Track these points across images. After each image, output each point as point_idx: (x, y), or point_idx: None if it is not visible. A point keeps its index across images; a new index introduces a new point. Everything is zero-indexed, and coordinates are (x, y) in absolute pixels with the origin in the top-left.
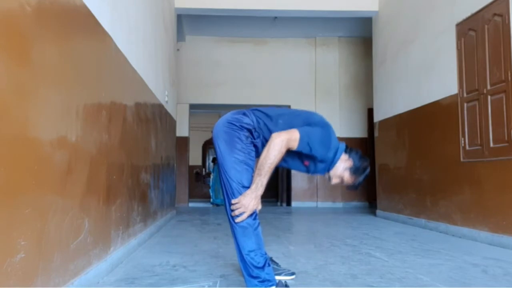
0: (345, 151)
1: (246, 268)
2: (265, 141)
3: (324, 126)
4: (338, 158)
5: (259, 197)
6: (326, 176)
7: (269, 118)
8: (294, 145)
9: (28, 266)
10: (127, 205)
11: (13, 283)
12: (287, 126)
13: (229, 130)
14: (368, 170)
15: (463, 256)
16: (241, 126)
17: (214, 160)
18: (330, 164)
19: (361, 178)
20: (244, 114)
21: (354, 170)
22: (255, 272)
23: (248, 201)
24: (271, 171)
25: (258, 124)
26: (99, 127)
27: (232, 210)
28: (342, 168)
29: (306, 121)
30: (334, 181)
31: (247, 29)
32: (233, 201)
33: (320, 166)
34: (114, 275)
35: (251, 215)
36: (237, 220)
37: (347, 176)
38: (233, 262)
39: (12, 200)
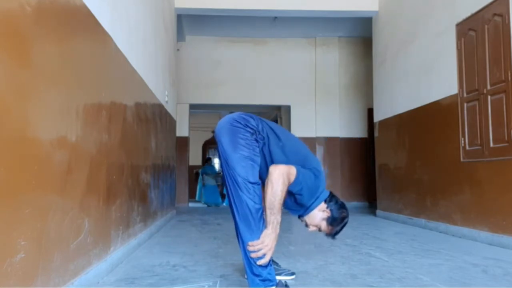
0: (325, 201)
1: (250, 266)
2: (265, 149)
3: (317, 174)
4: (315, 206)
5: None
6: (303, 222)
7: (273, 133)
8: (291, 180)
9: (28, 266)
10: (127, 205)
11: (13, 283)
12: (282, 153)
13: (233, 128)
14: (346, 220)
15: (463, 256)
16: (246, 125)
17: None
18: (305, 210)
19: (338, 228)
20: (252, 117)
21: (331, 221)
22: (258, 270)
23: (271, 242)
24: (281, 205)
25: (263, 131)
26: (99, 127)
27: (253, 251)
28: (319, 218)
29: (302, 161)
30: (311, 229)
31: (247, 29)
32: (255, 243)
33: (296, 206)
34: (114, 275)
35: (257, 214)
36: (260, 262)
37: (324, 226)
38: (233, 262)
39: (12, 200)
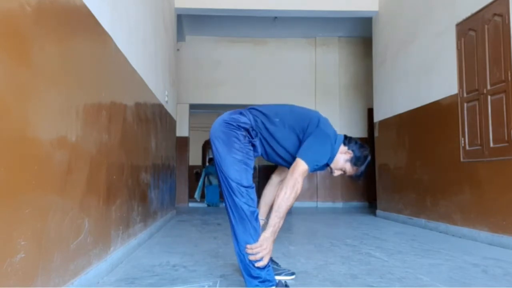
0: (344, 143)
1: (246, 269)
2: (263, 140)
3: (321, 133)
4: (336, 151)
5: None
6: (328, 169)
7: (266, 117)
8: (306, 174)
9: (28, 266)
10: (127, 205)
11: (13, 283)
12: (283, 127)
13: (227, 130)
14: (369, 158)
15: (463, 256)
16: (238, 125)
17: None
18: (329, 159)
19: (362, 167)
20: (241, 113)
21: (355, 161)
22: (256, 272)
23: (270, 245)
24: (287, 211)
25: (256, 122)
26: (99, 127)
27: (251, 254)
28: (343, 160)
29: (302, 123)
30: (337, 173)
31: (247, 29)
32: (253, 246)
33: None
34: (114, 275)
35: (253, 215)
36: (259, 264)
37: (348, 168)
38: (233, 262)
39: (12, 200)
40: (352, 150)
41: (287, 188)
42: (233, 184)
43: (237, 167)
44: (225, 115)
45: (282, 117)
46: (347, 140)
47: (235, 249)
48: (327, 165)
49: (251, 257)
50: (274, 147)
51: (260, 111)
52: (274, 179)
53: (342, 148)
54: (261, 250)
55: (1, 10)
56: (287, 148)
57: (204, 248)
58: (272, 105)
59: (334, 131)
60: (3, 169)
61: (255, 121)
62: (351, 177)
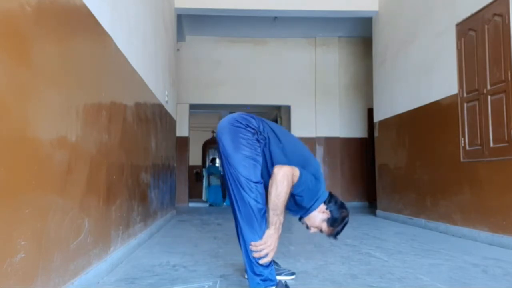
0: (325, 202)
1: (251, 265)
2: (266, 150)
3: (318, 177)
4: (314, 208)
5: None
6: (303, 225)
7: (274, 136)
8: (295, 180)
9: (28, 266)
10: (127, 205)
11: (13, 283)
12: (283, 154)
13: (234, 127)
14: (347, 219)
15: (463, 256)
16: (247, 125)
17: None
18: (305, 212)
19: (339, 228)
20: (253, 118)
21: (332, 222)
22: (259, 269)
23: (274, 242)
24: (285, 206)
25: (264, 132)
26: (99, 127)
27: (256, 251)
28: (319, 219)
29: (303, 162)
30: (312, 230)
31: (247, 29)
32: (257, 243)
33: (295, 207)
34: (114, 275)
35: (260, 213)
36: (262, 261)
37: (324, 227)
38: (233, 262)
39: (12, 200)
40: (330, 211)
41: (277, 184)
42: (242, 179)
43: (245, 162)
44: (236, 114)
45: (286, 145)
46: (329, 198)
47: (240, 245)
48: (300, 218)
49: (255, 254)
50: (268, 165)
51: (271, 127)
52: None
53: (321, 207)
54: (265, 247)
55: (1, 10)
56: None
57: (204, 248)
58: (283, 129)
59: (324, 188)
60: (3, 169)
61: (264, 131)
62: (327, 235)
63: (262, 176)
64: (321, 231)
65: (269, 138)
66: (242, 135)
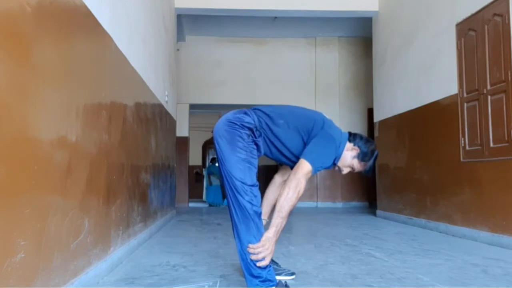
0: (349, 140)
1: (248, 267)
2: (268, 140)
3: (326, 135)
4: (342, 150)
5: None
6: (336, 168)
7: (270, 118)
8: (310, 175)
9: (28, 266)
10: (127, 205)
11: (13, 283)
12: (288, 128)
13: (230, 129)
14: (376, 152)
15: (463, 256)
16: (242, 125)
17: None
18: (335, 158)
19: (371, 162)
20: (245, 113)
21: (362, 156)
22: (257, 271)
23: (272, 246)
24: (290, 212)
25: (260, 123)
26: (99, 127)
27: (253, 253)
28: (350, 157)
29: (307, 127)
30: (345, 170)
31: (247, 29)
32: (255, 246)
33: None
34: (114, 275)
35: (256, 214)
36: (260, 264)
37: (356, 164)
38: (233, 262)
39: (12, 200)
40: (358, 146)
41: (290, 188)
42: (237, 183)
43: (241, 165)
44: (229, 114)
45: (286, 118)
46: (352, 136)
47: (237, 248)
48: (334, 164)
49: (253, 257)
50: (278, 147)
51: (264, 112)
52: (277, 179)
53: (348, 145)
54: (263, 250)
55: (1, 10)
56: (292, 149)
57: (204, 248)
58: (276, 106)
59: (339, 131)
60: (3, 169)
61: (259, 121)
62: (360, 172)
63: (278, 159)
64: (353, 169)
65: (268, 125)
66: (237, 138)
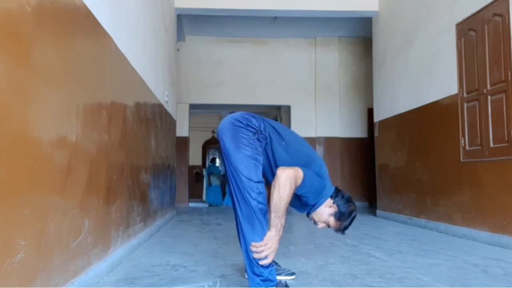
0: (332, 196)
1: (251, 265)
2: (264, 150)
3: (323, 175)
4: (321, 203)
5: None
6: (311, 220)
7: (276, 134)
8: (298, 183)
9: (28, 266)
10: (127, 205)
11: (13, 283)
12: (286, 153)
13: (235, 127)
14: (354, 213)
15: (463, 256)
16: (248, 125)
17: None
18: (311, 208)
19: (347, 223)
20: (254, 117)
21: (339, 216)
22: (259, 270)
23: (274, 244)
24: (286, 209)
25: (265, 131)
26: (99, 127)
27: (256, 252)
28: (327, 213)
29: (306, 160)
30: (320, 225)
31: (247, 29)
32: (257, 244)
33: (302, 205)
34: (114, 275)
35: (261, 212)
36: (263, 262)
37: (332, 222)
38: (233, 262)
39: (12, 200)
40: (337, 205)
41: (279, 186)
42: (244, 179)
43: (246, 162)
44: (237, 114)
45: (289, 143)
46: (335, 193)
47: (241, 244)
48: (308, 214)
49: (256, 255)
50: (270, 163)
51: (272, 126)
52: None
53: (328, 201)
54: (265, 248)
55: (1, 10)
56: None
57: (204, 248)
58: (285, 127)
59: (330, 183)
60: (3, 169)
61: (265, 129)
62: (335, 230)
63: (265, 176)
64: (328, 226)
65: (270, 137)
66: (243, 135)
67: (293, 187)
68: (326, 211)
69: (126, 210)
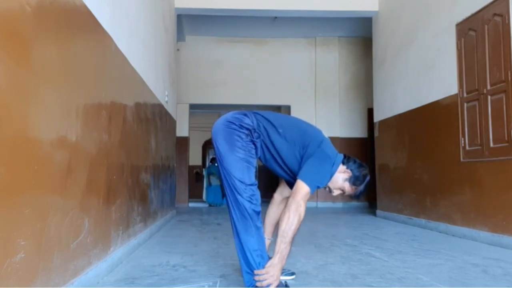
0: (343, 162)
1: (247, 265)
2: (264, 145)
3: (322, 154)
4: (335, 171)
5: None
6: (326, 188)
7: (270, 124)
8: (308, 196)
9: (28, 266)
10: (127, 205)
11: (13, 283)
12: (284, 140)
13: (229, 129)
14: (368, 177)
15: (463, 256)
16: (241, 125)
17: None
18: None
19: (361, 187)
20: (245, 115)
21: (354, 180)
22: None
23: (276, 272)
24: (293, 238)
25: (259, 126)
26: (99, 127)
27: (258, 280)
28: (341, 179)
29: (304, 141)
30: (336, 192)
31: (247, 29)
32: (259, 272)
33: None
34: (114, 275)
35: (255, 213)
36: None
37: (347, 187)
38: (233, 262)
39: (12, 200)
40: (351, 170)
41: (290, 212)
42: (236, 182)
43: (239, 165)
44: (228, 115)
45: (285, 129)
46: (346, 159)
47: (236, 246)
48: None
49: (258, 284)
50: (273, 154)
51: (265, 117)
52: (276, 198)
53: (341, 167)
54: (267, 277)
55: (1, 10)
56: (285, 159)
57: (204, 248)
58: (277, 114)
59: (335, 151)
60: (3, 169)
61: (258, 125)
62: (350, 196)
63: (273, 169)
64: (343, 192)
65: (266, 130)
66: (236, 137)
67: (301, 218)
68: (340, 177)
69: (126, 210)
